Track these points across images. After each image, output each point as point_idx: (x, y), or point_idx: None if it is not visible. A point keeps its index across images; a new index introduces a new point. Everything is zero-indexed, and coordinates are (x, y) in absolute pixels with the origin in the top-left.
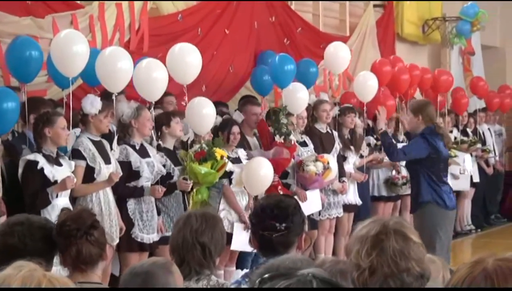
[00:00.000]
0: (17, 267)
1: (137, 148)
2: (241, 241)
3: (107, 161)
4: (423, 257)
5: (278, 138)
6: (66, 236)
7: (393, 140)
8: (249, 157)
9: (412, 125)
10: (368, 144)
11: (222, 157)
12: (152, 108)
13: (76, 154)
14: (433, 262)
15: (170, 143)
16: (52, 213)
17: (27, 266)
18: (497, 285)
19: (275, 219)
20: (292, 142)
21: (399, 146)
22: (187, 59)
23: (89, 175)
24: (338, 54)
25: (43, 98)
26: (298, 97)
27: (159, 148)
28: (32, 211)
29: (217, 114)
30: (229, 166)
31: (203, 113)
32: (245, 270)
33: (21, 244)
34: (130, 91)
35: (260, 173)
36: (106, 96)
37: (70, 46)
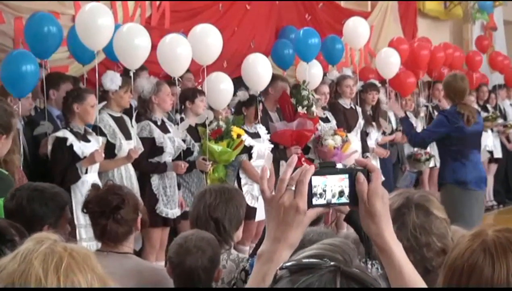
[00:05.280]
0: (38, 240)
1: (159, 123)
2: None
3: (128, 136)
4: (446, 233)
5: (301, 109)
6: (92, 216)
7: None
8: (272, 129)
9: (444, 100)
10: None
11: (238, 136)
12: (177, 83)
13: (95, 130)
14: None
15: (191, 120)
16: (82, 189)
17: (47, 239)
18: (496, 258)
19: None
20: (315, 114)
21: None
22: (208, 40)
23: (109, 151)
24: (357, 30)
25: (63, 73)
26: (312, 73)
27: (182, 121)
28: (62, 187)
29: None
30: (249, 141)
31: (221, 88)
32: None
33: (18, 206)
34: (153, 68)
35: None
36: (128, 72)
37: (95, 19)
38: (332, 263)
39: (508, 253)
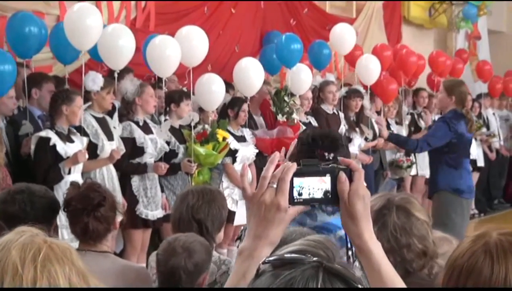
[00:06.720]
0: (19, 232)
1: (141, 124)
2: (244, 215)
3: (110, 137)
4: (427, 235)
5: (281, 118)
6: (73, 214)
7: (403, 135)
8: (254, 137)
9: (442, 104)
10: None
11: (224, 139)
12: (164, 84)
13: (79, 131)
14: (450, 242)
15: (175, 122)
16: (65, 189)
17: (28, 232)
18: (496, 260)
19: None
20: (295, 121)
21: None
22: (194, 42)
23: (92, 151)
24: (343, 36)
25: (45, 73)
26: (301, 78)
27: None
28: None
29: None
30: (234, 144)
31: (212, 89)
32: None
33: (22, 212)
34: (137, 69)
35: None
36: (113, 73)
37: (84, 19)
38: (314, 259)
39: (508, 255)
